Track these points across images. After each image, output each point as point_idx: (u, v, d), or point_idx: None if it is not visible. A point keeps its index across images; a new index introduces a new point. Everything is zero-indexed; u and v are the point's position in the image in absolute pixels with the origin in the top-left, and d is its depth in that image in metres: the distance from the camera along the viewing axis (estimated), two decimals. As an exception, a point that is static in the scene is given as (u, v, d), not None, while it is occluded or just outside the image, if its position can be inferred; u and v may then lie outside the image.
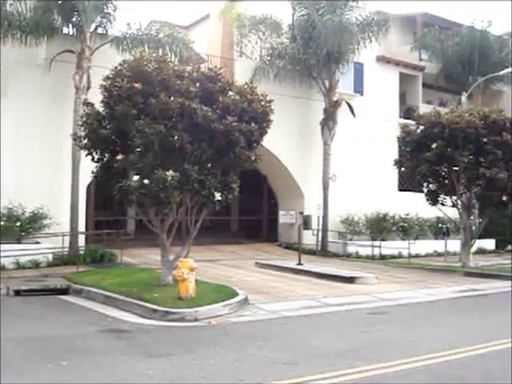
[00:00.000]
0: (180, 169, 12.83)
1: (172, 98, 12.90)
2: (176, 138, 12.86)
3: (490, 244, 32.70)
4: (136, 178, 12.87)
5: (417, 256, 27.26)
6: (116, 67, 13.74)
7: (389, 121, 31.04)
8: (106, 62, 17.24)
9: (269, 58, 27.67)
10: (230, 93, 13.79)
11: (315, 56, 26.71)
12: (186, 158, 13.12)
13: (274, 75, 26.97)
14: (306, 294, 15.23)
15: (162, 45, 22.22)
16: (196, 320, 11.53)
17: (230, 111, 13.21)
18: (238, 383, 7.25)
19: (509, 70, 30.21)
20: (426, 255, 28.64)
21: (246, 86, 14.23)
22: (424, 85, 35.23)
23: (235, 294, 13.47)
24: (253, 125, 13.47)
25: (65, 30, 22.27)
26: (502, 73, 30.37)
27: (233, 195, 14.25)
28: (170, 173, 12.53)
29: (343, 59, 27.49)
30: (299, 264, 20.80)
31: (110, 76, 13.63)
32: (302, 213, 26.68)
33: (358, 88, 30.86)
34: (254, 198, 31.63)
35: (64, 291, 15.16)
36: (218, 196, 13.58)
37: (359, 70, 30.76)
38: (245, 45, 29.63)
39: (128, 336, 10.29)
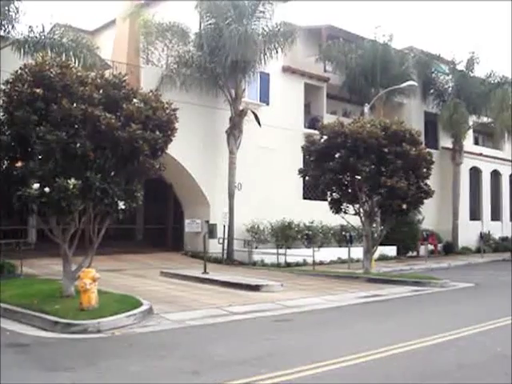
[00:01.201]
0: (82, 177, 12.50)
1: (75, 105, 12.59)
2: (78, 145, 12.54)
3: (391, 251, 33.71)
4: (36, 186, 12.40)
5: (321, 263, 27.74)
6: (16, 71, 13.30)
7: (294, 130, 31.50)
8: (7, 65, 16.69)
9: (175, 65, 27.47)
10: (135, 100, 13.59)
11: (222, 65, 26.77)
12: (89, 166, 12.82)
13: (181, 83, 26.85)
14: (211, 302, 15.18)
15: (65, 49, 21.61)
16: (99, 331, 11.26)
17: (134, 119, 13.01)
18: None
19: (409, 83, 31.33)
20: (331, 262, 29.18)
21: (150, 94, 14.08)
22: (328, 95, 35.96)
23: (139, 304, 13.25)
24: (157, 133, 13.33)
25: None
26: (402, 85, 31.44)
27: (137, 204, 14.03)
28: (72, 181, 12.20)
29: (249, 69, 27.69)
30: (205, 273, 20.74)
31: (10, 80, 13.18)
32: (207, 221, 26.67)
33: (264, 98, 31.17)
34: (160, 206, 31.40)
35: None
36: (121, 205, 13.31)
37: (265, 79, 31.07)
38: (151, 52, 29.37)
39: (27, 350, 9.93)
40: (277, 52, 28.19)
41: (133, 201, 13.75)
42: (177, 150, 21.27)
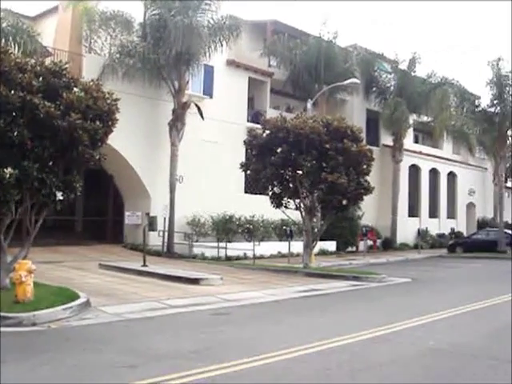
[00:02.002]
0: (19, 166, 12.24)
1: (12, 92, 12.30)
2: (16, 133, 12.25)
3: (331, 246, 34.12)
4: (-29, 174, 12.11)
5: (261, 257, 27.89)
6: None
7: (237, 124, 31.53)
8: None
9: (118, 55, 27.09)
10: (75, 89, 13.37)
11: (165, 56, 26.60)
12: (26, 155, 12.55)
13: (123, 74, 26.56)
14: (150, 295, 15.07)
15: (4, 35, 21.14)
16: (34, 324, 11.01)
17: (74, 108, 12.79)
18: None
19: (352, 80, 31.67)
20: (271, 256, 29.36)
21: (92, 83, 13.87)
22: (272, 90, 36.13)
23: (76, 297, 13.03)
24: (97, 123, 13.15)
25: None
26: (345, 83, 31.73)
27: (75, 195, 13.82)
28: (9, 170, 11.92)
29: (193, 61, 27.57)
30: (144, 265, 20.56)
31: None
32: (148, 214, 26.43)
33: (208, 91, 31.08)
34: (100, 198, 31.01)
35: None
36: (59, 195, 13.10)
37: (209, 72, 30.97)
38: (94, 40, 28.85)
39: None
40: (222, 45, 28.16)
41: (71, 191, 13.54)
42: (118, 140, 21.05)
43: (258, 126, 25.46)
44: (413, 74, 41.65)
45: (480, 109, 41.11)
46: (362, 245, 35.44)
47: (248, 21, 34.36)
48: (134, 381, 7.24)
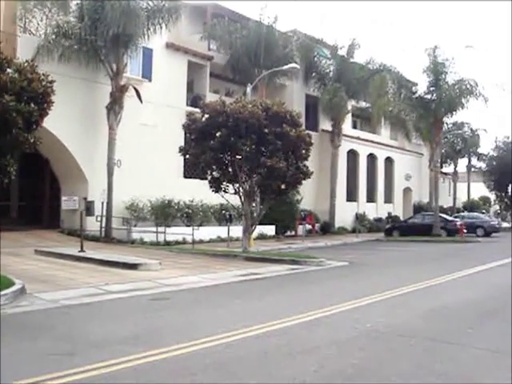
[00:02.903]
0: (-50, 149, 11.88)
1: None
2: None
3: (270, 230, 34.36)
4: None
5: (201, 242, 27.91)
6: None
7: (176, 108, 31.29)
8: None
9: (54, 36, 26.39)
10: (9, 70, 12.99)
11: (103, 38, 26.10)
12: (-43, 139, 12.18)
13: (59, 55, 25.92)
14: (88, 281, 14.87)
15: None
16: (-34, 312, 10.75)
17: (8, 90, 12.43)
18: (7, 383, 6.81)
19: (291, 65, 31.83)
20: (210, 241, 29.40)
21: (26, 64, 13.48)
22: (212, 74, 35.98)
23: (11, 284, 12.74)
24: (32, 105, 12.81)
25: None
26: (285, 68, 31.93)
27: (9, 179, 13.48)
28: None
29: (132, 43, 27.16)
30: (81, 251, 20.28)
31: None
32: (85, 198, 25.99)
33: (147, 74, 30.72)
34: (36, 182, 30.35)
35: None
36: (-8, 180, 12.76)
37: (148, 55, 30.61)
38: (29, 20, 28.03)
39: None
40: (161, 28, 27.83)
41: (5, 176, 13.19)
42: (54, 123, 20.61)
43: (198, 110, 25.32)
44: (352, 60, 42.11)
45: (417, 95, 41.85)
46: (300, 229, 35.83)
47: (188, 3, 34.00)
48: (72, 368, 7.12)
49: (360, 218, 42.71)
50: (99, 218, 26.40)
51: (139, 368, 7.28)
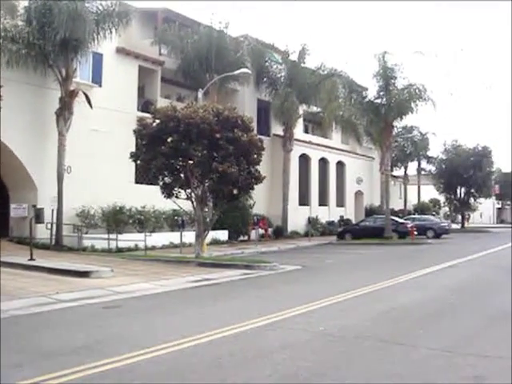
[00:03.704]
0: None
1: None
2: None
3: (223, 235, 34.30)
4: None
5: (153, 248, 27.72)
6: None
7: (127, 113, 30.98)
8: None
9: (1, 40, 25.78)
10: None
11: (51, 42, 25.64)
12: None
13: (7, 60, 25.37)
14: (38, 290, 14.60)
15: None
16: None
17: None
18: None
19: (243, 70, 31.88)
20: (163, 247, 29.20)
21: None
22: (163, 79, 35.79)
23: (-43, 294, 12.46)
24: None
25: None
26: (236, 72, 31.94)
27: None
28: None
29: (81, 48, 26.75)
30: (31, 259, 19.91)
31: None
32: (34, 206, 25.54)
33: (97, 79, 30.36)
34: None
35: None
36: None
37: (98, 60, 30.27)
38: (-25, 24, 27.45)
39: None
40: (111, 32, 27.51)
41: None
42: (1, 129, 20.17)
43: (149, 115, 25.14)
44: (303, 65, 42.37)
45: (367, 100, 42.28)
46: (253, 233, 35.82)
47: (138, 8, 33.82)
48: (21, 380, 6.98)
49: (312, 222, 42.95)
50: (49, 226, 25.95)
51: (90, 378, 7.19)
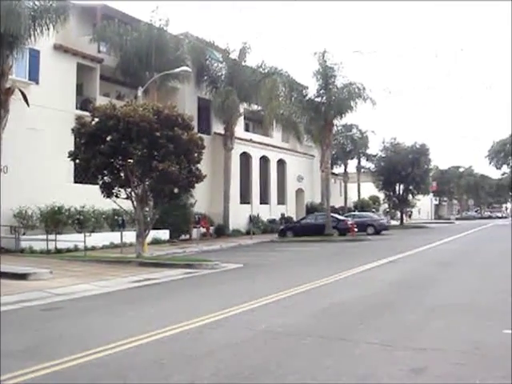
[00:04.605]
0: None
1: None
2: None
3: (164, 234, 34.12)
4: None
5: (94, 248, 27.39)
6: None
7: (65, 111, 30.52)
8: None
9: None
10: None
11: (-15, 39, 25.00)
12: None
13: None
14: (-26, 293, 14.23)
15: None
16: None
17: None
18: None
19: (183, 68, 31.78)
20: (103, 247, 28.88)
21: None
22: (102, 77, 35.34)
23: None
24: None
25: None
26: (176, 70, 31.82)
27: None
28: None
29: (17, 44, 26.13)
30: (-34, 261, 19.38)
31: None
32: (-30, 206, 24.90)
33: (34, 76, 29.78)
34: None
35: None
36: None
37: (35, 57, 29.68)
38: None
39: None
40: (48, 29, 26.91)
41: None
42: None
43: (87, 113, 24.80)
44: (243, 63, 42.49)
45: (307, 98, 42.68)
46: (195, 232, 35.77)
47: (77, 4, 33.26)
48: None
49: (254, 220, 43.10)
50: (-15, 227, 25.36)
51: (31, 382, 7.04)
